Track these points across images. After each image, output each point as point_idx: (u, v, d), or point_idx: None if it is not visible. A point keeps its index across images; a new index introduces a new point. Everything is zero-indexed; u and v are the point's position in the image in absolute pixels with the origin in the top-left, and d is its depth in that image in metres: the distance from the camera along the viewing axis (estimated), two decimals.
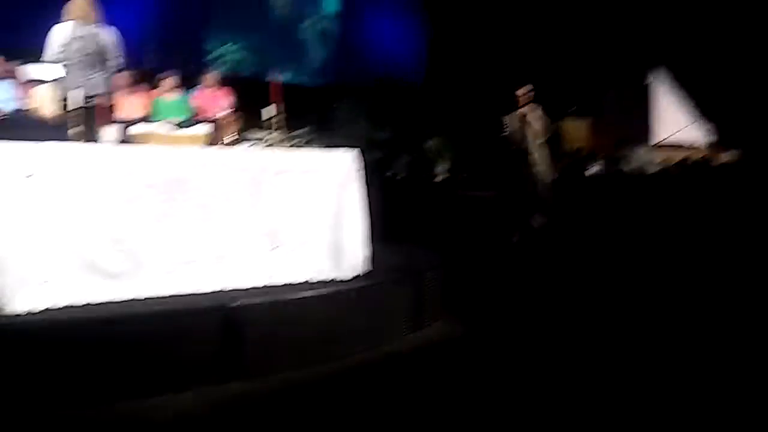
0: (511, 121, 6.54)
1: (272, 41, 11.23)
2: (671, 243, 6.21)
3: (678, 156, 9.19)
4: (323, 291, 3.63)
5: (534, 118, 6.52)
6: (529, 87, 6.58)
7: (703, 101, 10.30)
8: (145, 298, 3.23)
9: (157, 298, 3.25)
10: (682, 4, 10.04)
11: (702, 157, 8.68)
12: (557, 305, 4.88)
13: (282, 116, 4.66)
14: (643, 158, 8.45)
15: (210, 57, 10.56)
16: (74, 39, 4.50)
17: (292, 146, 4.61)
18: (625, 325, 4.29)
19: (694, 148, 9.79)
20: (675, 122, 10.62)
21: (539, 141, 6.54)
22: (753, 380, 3.22)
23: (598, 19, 10.82)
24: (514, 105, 6.64)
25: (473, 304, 4.88)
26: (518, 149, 6.46)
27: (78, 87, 4.27)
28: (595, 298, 4.99)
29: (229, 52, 10.72)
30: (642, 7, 10.44)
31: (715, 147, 9.96)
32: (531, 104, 6.57)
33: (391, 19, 12.16)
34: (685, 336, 4.06)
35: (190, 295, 3.35)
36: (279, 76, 4.79)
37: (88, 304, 3.10)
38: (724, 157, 8.88)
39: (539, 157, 6.49)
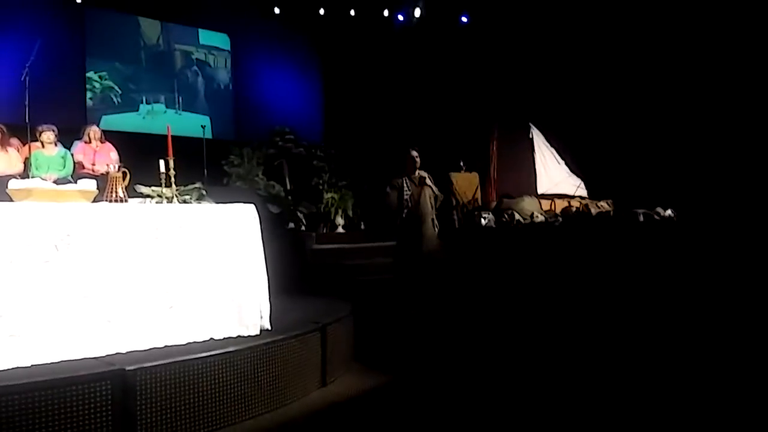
0: (409, 184, 6.44)
1: (154, 81, 11.03)
2: (567, 288, 6.53)
3: (560, 205, 9.80)
4: (225, 349, 3.45)
5: (430, 181, 6.54)
6: (418, 150, 6.55)
7: (576, 156, 11.10)
8: (30, 366, 2.93)
9: (44, 365, 2.95)
10: (554, 63, 10.93)
11: (582, 206, 9.31)
12: (459, 353, 4.98)
13: (173, 171, 4.48)
14: (529, 208, 8.93)
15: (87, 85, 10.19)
16: None
17: (184, 201, 4.43)
18: (522, 373, 4.42)
19: (572, 197, 10.46)
20: (552, 175, 11.33)
21: (435, 203, 6.54)
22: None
23: (480, 76, 11.53)
24: (403, 166, 6.58)
25: (378, 356, 4.87)
26: (414, 212, 6.40)
27: None
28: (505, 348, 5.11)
29: (102, 80, 10.38)
30: (519, 63, 11.25)
31: (589, 197, 10.70)
32: (421, 168, 6.54)
33: (288, 78, 12.31)
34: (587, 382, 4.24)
35: (80, 360, 3.08)
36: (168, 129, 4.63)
37: None
38: (600, 205, 9.56)
39: (432, 221, 6.48)
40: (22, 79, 5.40)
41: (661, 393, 3.75)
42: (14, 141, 6.47)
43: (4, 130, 6.27)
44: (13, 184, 3.76)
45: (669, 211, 8.47)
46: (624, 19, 10.15)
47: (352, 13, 12.28)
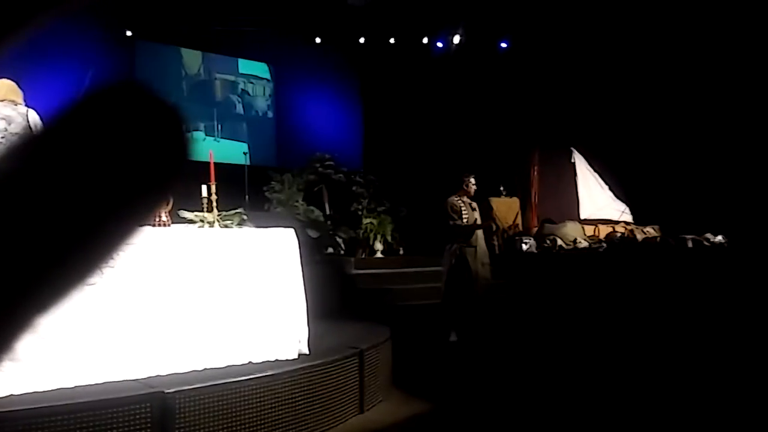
0: (466, 209, 6.31)
1: (194, 110, 11.19)
2: (611, 315, 6.35)
3: (604, 231, 9.58)
4: (263, 373, 3.43)
5: (477, 207, 6.43)
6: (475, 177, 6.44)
7: (621, 180, 10.88)
8: (73, 387, 2.96)
9: (86, 386, 2.98)
10: (596, 89, 10.80)
11: (627, 231, 9.09)
12: (503, 384, 4.85)
13: (215, 196, 4.53)
14: (572, 233, 8.75)
15: None
16: (1, 119, 4.32)
17: (225, 226, 4.47)
18: (571, 403, 4.28)
19: (617, 223, 10.22)
20: (595, 200, 11.11)
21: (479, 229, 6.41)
22: None
23: (520, 101, 11.46)
24: (457, 190, 6.47)
25: (418, 382, 4.78)
26: (466, 239, 6.26)
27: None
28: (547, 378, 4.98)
29: None
30: (560, 88, 11.15)
31: (635, 223, 10.44)
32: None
33: (329, 105, 12.44)
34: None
35: (121, 381, 3.10)
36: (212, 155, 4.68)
37: (10, 395, 2.80)
38: (646, 231, 9.32)
39: (482, 248, 6.33)
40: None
41: (709, 418, 3.58)
42: None
43: None
44: None
45: (719, 237, 8.20)
46: (669, 43, 10.00)
47: (392, 41, 12.42)
